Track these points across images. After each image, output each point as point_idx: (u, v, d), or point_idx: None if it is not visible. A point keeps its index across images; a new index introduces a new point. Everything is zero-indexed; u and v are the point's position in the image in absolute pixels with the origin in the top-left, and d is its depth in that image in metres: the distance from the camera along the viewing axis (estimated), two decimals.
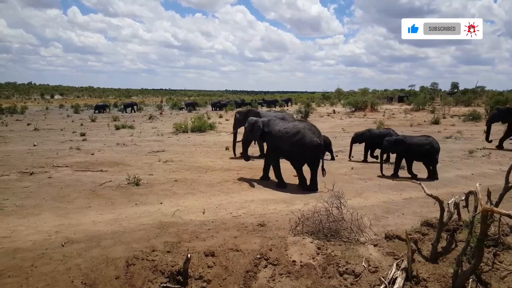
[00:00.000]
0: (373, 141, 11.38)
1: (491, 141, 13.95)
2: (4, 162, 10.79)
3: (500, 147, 13.56)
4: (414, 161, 9.40)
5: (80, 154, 12.29)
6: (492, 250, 4.35)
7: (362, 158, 11.61)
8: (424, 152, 9.12)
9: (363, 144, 11.81)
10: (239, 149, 11.43)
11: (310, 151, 8.08)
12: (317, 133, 8.28)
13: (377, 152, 11.12)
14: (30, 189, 7.86)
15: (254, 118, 9.50)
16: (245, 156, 9.80)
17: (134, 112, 35.37)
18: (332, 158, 11.60)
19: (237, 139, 11.77)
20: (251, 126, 9.30)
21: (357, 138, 11.90)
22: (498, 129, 15.60)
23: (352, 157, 11.92)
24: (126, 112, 35.09)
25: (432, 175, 9.17)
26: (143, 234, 5.17)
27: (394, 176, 9.28)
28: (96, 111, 33.66)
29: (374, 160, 11.43)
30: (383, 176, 9.44)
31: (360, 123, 23.29)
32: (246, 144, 9.72)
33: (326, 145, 11.13)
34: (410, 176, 9.18)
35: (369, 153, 11.73)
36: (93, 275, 4.14)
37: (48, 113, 33.01)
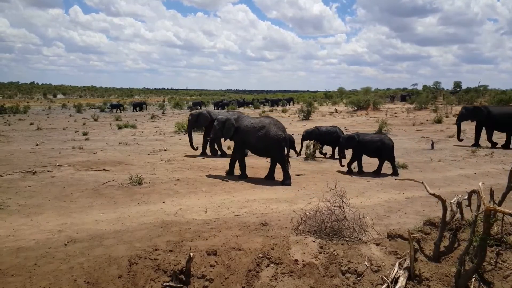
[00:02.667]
0: (321, 138, 12.11)
1: (462, 139, 14.48)
2: (7, 161, 10.83)
3: (476, 144, 13.98)
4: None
5: (83, 154, 12.32)
6: (495, 249, 4.34)
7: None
8: (375, 149, 9.68)
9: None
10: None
11: (275, 144, 8.53)
12: (281, 127, 8.79)
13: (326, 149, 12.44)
14: (33, 188, 7.88)
15: (225, 117, 9.60)
16: (212, 150, 10.73)
17: (138, 111, 36.85)
18: (298, 154, 12.12)
19: (195, 138, 12.78)
20: (222, 124, 9.45)
21: (306, 136, 12.51)
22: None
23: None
24: (135, 111, 37.16)
25: (393, 172, 9.61)
26: (145, 233, 5.18)
27: (348, 171, 9.86)
28: (113, 110, 36.19)
29: (343, 157, 11.81)
30: (341, 167, 10.15)
31: (363, 122, 23.25)
32: (214, 142, 10.38)
33: (290, 143, 11.55)
34: (359, 170, 9.86)
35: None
36: (96, 274, 4.15)
37: (51, 113, 33.15)
